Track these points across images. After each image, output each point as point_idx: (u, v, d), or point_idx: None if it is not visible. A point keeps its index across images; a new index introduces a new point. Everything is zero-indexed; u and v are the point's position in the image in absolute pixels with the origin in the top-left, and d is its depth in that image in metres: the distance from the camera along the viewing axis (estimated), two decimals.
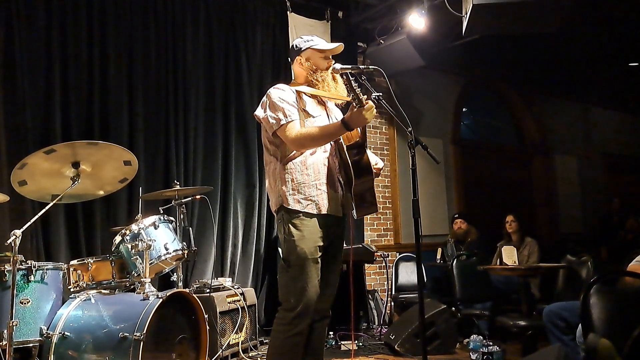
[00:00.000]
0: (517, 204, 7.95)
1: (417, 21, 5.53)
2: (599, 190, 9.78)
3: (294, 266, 2.52)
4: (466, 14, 4.65)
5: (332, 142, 2.65)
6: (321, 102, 2.75)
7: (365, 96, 2.42)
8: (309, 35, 2.79)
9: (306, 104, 2.65)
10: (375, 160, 2.69)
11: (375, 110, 2.44)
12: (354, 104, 2.39)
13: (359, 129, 2.58)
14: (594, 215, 9.38)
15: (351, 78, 2.39)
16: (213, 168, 5.12)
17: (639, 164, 10.53)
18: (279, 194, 2.60)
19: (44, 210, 2.95)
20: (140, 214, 3.67)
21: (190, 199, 4.18)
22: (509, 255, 4.55)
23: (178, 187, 4.04)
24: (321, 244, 2.56)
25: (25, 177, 3.02)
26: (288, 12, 5.70)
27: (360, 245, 5.28)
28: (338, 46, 2.73)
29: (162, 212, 3.90)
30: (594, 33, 6.76)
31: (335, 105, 2.84)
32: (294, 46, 2.77)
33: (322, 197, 2.57)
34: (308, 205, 2.55)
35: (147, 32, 4.85)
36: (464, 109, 8.07)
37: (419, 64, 5.97)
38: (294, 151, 2.59)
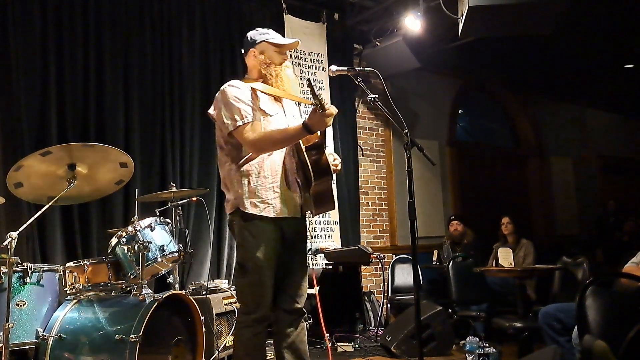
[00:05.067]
0: (513, 206, 7.98)
1: (413, 23, 5.54)
2: (594, 192, 9.82)
3: (251, 272, 2.51)
4: (462, 15, 4.66)
5: None
6: (277, 99, 2.67)
7: (327, 101, 2.34)
8: (265, 29, 2.71)
9: (261, 102, 2.57)
10: (332, 157, 2.63)
11: (334, 113, 2.36)
12: (317, 109, 2.30)
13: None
14: (589, 217, 9.41)
15: (313, 83, 2.24)
16: (209, 170, 5.11)
17: (634, 165, 10.57)
18: (235, 196, 2.55)
19: (40, 212, 2.95)
20: (136, 216, 3.65)
21: (186, 200, 4.17)
22: (505, 257, 4.56)
23: (174, 189, 4.03)
24: (278, 248, 2.54)
25: (21, 179, 3.02)
26: (284, 14, 5.70)
27: (357, 247, 5.27)
28: (294, 42, 2.66)
29: (158, 214, 3.90)
30: (589, 35, 6.78)
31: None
32: (249, 38, 2.68)
33: (279, 200, 2.53)
34: (265, 208, 2.50)
35: (143, 34, 4.85)
36: (459, 111, 8.09)
37: (415, 66, 5.99)
38: (251, 152, 2.53)
